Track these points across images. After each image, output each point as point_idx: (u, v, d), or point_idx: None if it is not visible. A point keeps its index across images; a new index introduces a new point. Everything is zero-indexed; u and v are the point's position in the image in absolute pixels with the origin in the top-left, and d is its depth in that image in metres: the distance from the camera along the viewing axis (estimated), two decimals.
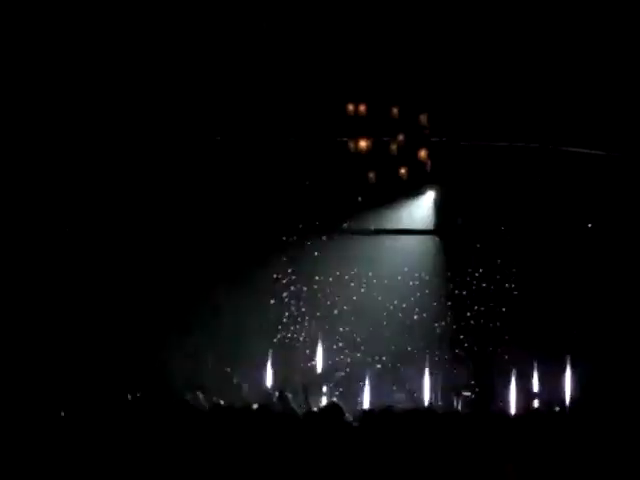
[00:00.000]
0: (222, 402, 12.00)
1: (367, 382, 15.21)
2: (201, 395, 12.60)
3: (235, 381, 15.11)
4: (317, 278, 16.74)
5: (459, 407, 15.02)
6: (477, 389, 15.91)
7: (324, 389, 15.35)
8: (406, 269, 16.70)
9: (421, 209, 16.47)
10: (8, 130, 14.25)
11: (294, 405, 12.03)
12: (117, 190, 15.68)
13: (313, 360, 15.87)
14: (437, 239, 16.73)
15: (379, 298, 16.69)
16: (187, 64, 13.41)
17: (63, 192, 15.19)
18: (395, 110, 12.87)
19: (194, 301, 16.07)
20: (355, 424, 7.00)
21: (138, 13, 12.78)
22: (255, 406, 11.62)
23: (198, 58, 13.31)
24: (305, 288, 16.75)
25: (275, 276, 16.62)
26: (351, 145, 13.26)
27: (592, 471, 6.53)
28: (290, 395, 12.49)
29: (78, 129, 14.55)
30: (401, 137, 13.17)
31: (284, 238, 16.60)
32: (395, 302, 16.69)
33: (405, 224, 16.54)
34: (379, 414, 7.35)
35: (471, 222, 16.17)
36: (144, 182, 15.60)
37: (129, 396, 7.83)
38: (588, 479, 6.50)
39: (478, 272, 16.63)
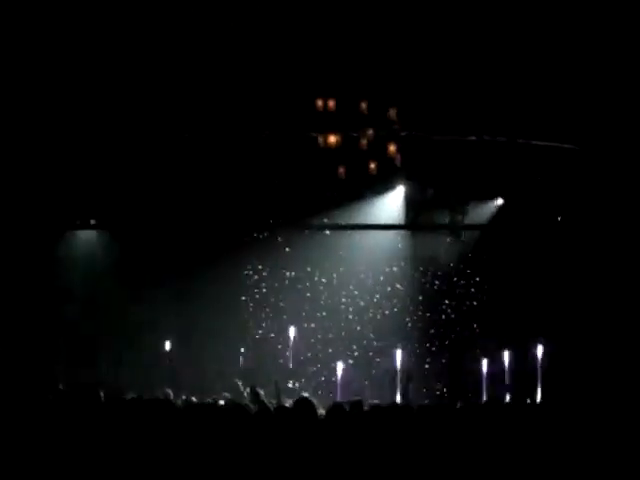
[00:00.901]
0: (193, 399, 11.99)
1: (339, 377, 15.20)
2: (171, 393, 12.57)
3: (207, 377, 15.08)
4: (288, 274, 16.74)
5: (430, 401, 15.05)
6: (449, 382, 15.98)
7: (296, 384, 15.36)
8: (377, 264, 16.74)
9: (391, 204, 16.49)
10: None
11: (265, 400, 12.01)
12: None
13: (285, 355, 15.86)
14: (408, 234, 16.77)
15: (350, 293, 16.73)
16: (160, 59, 13.36)
17: None
18: (364, 105, 12.86)
19: (165, 297, 16.06)
20: (324, 418, 7.00)
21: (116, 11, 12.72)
22: (224, 402, 11.64)
23: (169, 54, 13.27)
24: (276, 284, 16.75)
25: (246, 272, 16.62)
26: (320, 140, 13.23)
27: (565, 462, 6.57)
28: (261, 391, 12.48)
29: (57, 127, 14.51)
30: (370, 132, 13.16)
31: (255, 234, 16.60)
32: (366, 297, 16.74)
33: (375, 219, 16.56)
34: (349, 408, 7.37)
35: (442, 216, 16.23)
36: (114, 177, 15.56)
37: (102, 394, 7.80)
38: (562, 471, 6.54)
39: (448, 266, 16.70)
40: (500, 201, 16.48)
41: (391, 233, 16.79)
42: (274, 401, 12.28)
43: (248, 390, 12.56)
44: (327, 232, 16.71)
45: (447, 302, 16.70)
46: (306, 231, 16.62)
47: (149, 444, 6.15)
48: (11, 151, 14.67)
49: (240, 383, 13.49)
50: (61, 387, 11.14)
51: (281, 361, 15.89)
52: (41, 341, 15.51)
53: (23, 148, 14.72)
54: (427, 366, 16.47)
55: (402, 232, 16.76)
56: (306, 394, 12.65)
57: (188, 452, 6.20)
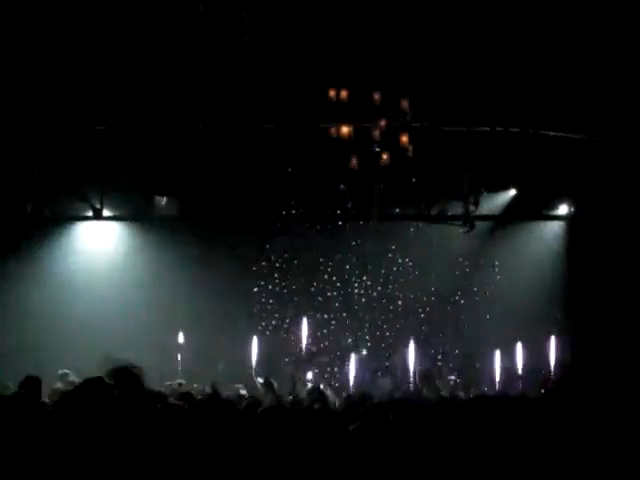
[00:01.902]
0: (208, 390, 12.00)
1: (352, 367, 15.20)
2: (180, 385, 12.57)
3: (220, 367, 15.08)
4: (301, 264, 16.75)
5: (445, 392, 15.03)
6: (462, 373, 15.95)
7: (309, 375, 15.36)
8: (390, 255, 16.73)
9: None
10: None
11: (279, 392, 12.03)
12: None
13: (298, 346, 15.86)
14: (420, 225, 16.74)
15: (363, 284, 16.73)
16: (166, 51, 13.33)
17: None
18: (377, 96, 12.82)
19: (178, 288, 16.10)
20: (337, 409, 7.00)
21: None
22: (239, 393, 11.65)
23: (177, 46, 13.24)
24: (289, 275, 16.76)
25: (258, 263, 16.63)
26: (333, 131, 13.20)
27: (576, 453, 6.55)
28: (275, 382, 12.49)
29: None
30: (383, 123, 13.12)
31: (266, 225, 16.61)
32: (379, 288, 16.73)
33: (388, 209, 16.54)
34: (359, 400, 7.36)
35: (455, 207, 16.19)
36: (128, 166, 15.59)
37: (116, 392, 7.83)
38: (573, 462, 6.51)
39: (461, 257, 16.68)
40: (513, 191, 16.45)
41: (406, 224, 16.76)
42: (289, 393, 12.32)
43: (261, 381, 12.57)
44: (341, 223, 16.70)
45: (460, 293, 16.68)
46: (319, 222, 16.61)
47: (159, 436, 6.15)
48: (18, 141, 14.72)
49: (253, 375, 13.51)
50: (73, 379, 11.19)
51: (295, 351, 15.91)
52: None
53: (31, 138, 14.76)
54: (440, 357, 16.47)
55: (416, 223, 16.73)
56: (320, 385, 12.66)
57: (195, 445, 6.19)
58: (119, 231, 16.98)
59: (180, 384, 12.54)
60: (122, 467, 5.34)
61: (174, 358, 14.64)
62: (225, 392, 11.30)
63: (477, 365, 15.41)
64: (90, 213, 16.79)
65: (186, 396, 8.81)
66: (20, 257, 16.17)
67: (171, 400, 7.29)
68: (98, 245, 16.90)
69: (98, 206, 16.67)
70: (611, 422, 6.75)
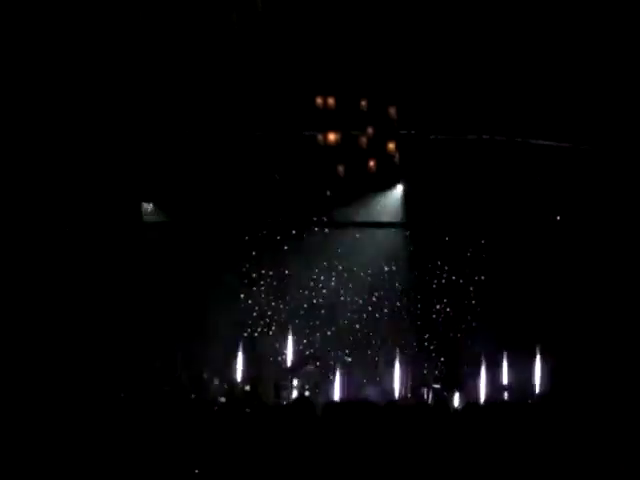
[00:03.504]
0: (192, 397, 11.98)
1: (337, 375, 15.19)
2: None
3: (205, 376, 15.05)
4: (287, 272, 16.72)
5: (429, 399, 15.06)
6: (446, 381, 15.95)
7: (294, 382, 15.35)
8: (375, 262, 16.72)
9: (390, 202, 16.48)
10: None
11: (265, 399, 12.03)
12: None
13: (283, 354, 15.85)
14: (406, 232, 16.75)
15: (349, 291, 16.71)
16: (154, 58, 13.32)
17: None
18: (364, 103, 12.84)
19: (163, 296, 16.05)
20: (321, 417, 6.98)
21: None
22: (223, 400, 11.64)
23: (165, 51, 13.23)
24: (275, 282, 16.74)
25: (244, 270, 16.60)
26: (320, 138, 13.21)
27: (564, 462, 6.56)
28: (261, 390, 12.49)
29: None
30: (370, 130, 13.13)
31: (253, 232, 16.58)
32: (365, 295, 16.72)
33: (374, 217, 16.55)
34: (343, 407, 7.34)
35: (440, 214, 16.19)
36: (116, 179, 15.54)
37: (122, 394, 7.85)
38: (560, 470, 6.52)
39: (447, 264, 16.68)
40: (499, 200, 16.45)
41: (390, 231, 16.78)
42: (273, 400, 12.31)
43: (248, 388, 12.55)
44: (326, 230, 16.70)
45: (446, 301, 16.68)
46: (305, 229, 16.60)
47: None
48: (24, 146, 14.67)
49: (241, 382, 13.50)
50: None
51: (280, 359, 15.89)
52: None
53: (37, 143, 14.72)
54: (425, 365, 16.46)
55: (401, 230, 16.75)
56: (306, 393, 12.65)
57: (191, 448, 6.19)
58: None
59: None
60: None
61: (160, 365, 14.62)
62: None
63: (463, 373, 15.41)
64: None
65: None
66: None
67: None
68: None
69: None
70: (605, 426, 6.77)
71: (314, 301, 16.66)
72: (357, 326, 16.61)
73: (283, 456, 6.45)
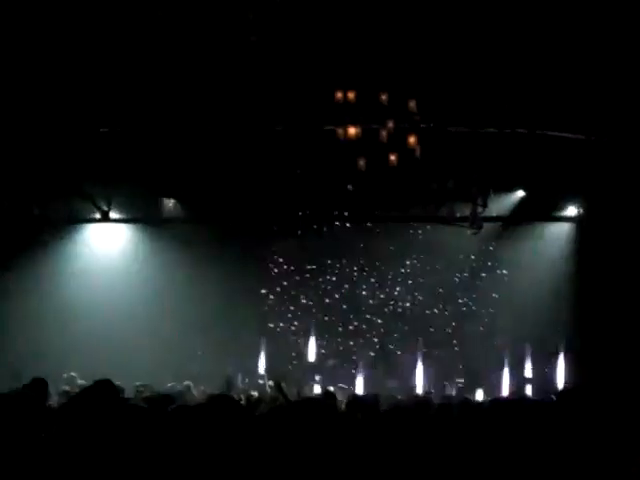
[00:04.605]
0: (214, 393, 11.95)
1: (360, 370, 15.18)
2: (192, 386, 12.56)
3: (227, 372, 15.05)
4: (308, 267, 16.72)
5: (452, 394, 15.01)
6: (468, 376, 15.91)
7: (317, 377, 15.34)
8: (397, 257, 16.68)
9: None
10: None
11: (288, 394, 11.99)
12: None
13: (306, 348, 15.86)
14: (428, 227, 16.69)
15: (370, 286, 16.68)
16: (174, 53, 13.32)
17: None
18: (384, 97, 12.78)
19: (185, 291, 16.08)
20: (344, 411, 6.96)
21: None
22: (245, 397, 11.61)
23: (185, 48, 13.22)
24: (297, 277, 16.74)
25: (266, 265, 16.61)
26: (340, 132, 13.16)
27: (584, 459, 6.50)
28: (284, 385, 12.45)
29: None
30: (390, 124, 13.08)
31: (275, 227, 16.58)
32: (386, 290, 16.69)
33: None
34: (367, 401, 7.32)
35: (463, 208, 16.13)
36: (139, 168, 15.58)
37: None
38: (579, 468, 6.46)
39: (469, 259, 16.63)
40: (521, 193, 16.39)
41: (413, 226, 16.72)
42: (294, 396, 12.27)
43: (271, 383, 12.54)
44: (347, 225, 16.67)
45: (468, 295, 16.63)
46: (326, 224, 16.58)
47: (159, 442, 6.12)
48: (20, 145, 14.71)
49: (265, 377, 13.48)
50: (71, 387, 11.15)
51: (302, 354, 15.90)
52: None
53: (33, 141, 14.76)
54: (447, 359, 16.42)
55: (423, 225, 16.69)
56: (330, 387, 12.63)
57: (199, 446, 6.16)
58: (127, 234, 16.99)
59: (188, 387, 12.52)
60: (125, 469, 5.30)
61: (182, 360, 14.63)
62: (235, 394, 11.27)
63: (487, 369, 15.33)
64: (98, 215, 16.82)
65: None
66: (27, 259, 16.17)
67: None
68: (106, 248, 16.90)
69: (105, 209, 16.69)
70: (622, 427, 6.70)
71: (335, 296, 16.64)
72: (379, 321, 16.59)
73: (305, 452, 6.42)
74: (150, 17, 12.62)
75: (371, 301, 16.66)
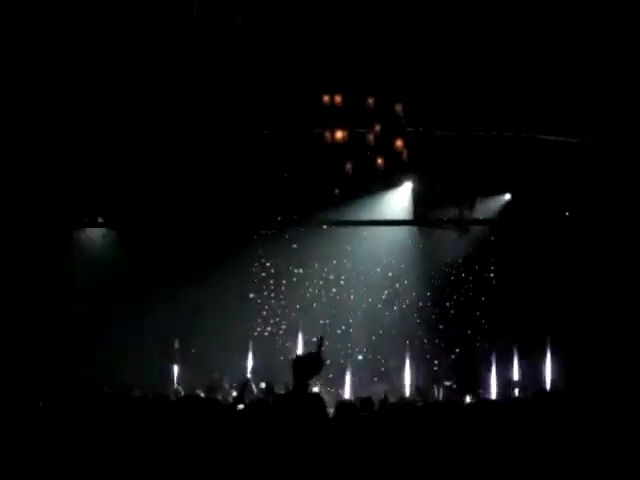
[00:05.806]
0: (202, 395, 11.97)
1: (348, 373, 15.19)
2: (181, 389, 12.57)
3: (216, 375, 15.06)
4: (295, 271, 16.73)
5: (440, 397, 15.03)
6: (458, 378, 15.93)
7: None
8: (384, 260, 16.71)
9: (399, 200, 16.45)
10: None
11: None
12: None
13: (293, 352, 15.84)
14: (415, 230, 16.73)
15: (358, 289, 16.70)
16: (162, 58, 13.32)
17: None
18: (371, 100, 12.81)
19: (171, 296, 16.04)
20: (333, 416, 6.97)
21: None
22: (233, 397, 11.61)
23: (173, 52, 13.23)
24: (284, 281, 16.74)
25: (253, 269, 16.61)
26: (327, 136, 13.19)
27: (574, 459, 6.53)
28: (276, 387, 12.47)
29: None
30: (377, 127, 13.11)
31: (262, 231, 16.59)
32: (375, 293, 16.71)
33: (383, 215, 16.53)
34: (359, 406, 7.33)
35: (448, 212, 16.16)
36: (122, 175, 15.55)
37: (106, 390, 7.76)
38: (571, 467, 6.50)
39: (457, 262, 16.66)
40: (508, 196, 16.43)
41: (399, 228, 16.75)
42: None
43: (263, 385, 12.55)
44: (335, 228, 16.69)
45: (455, 298, 16.66)
46: (313, 228, 16.60)
47: (154, 442, 6.13)
48: (17, 150, 14.67)
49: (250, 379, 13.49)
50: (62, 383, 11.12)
51: (290, 358, 15.86)
52: (45, 339, 15.48)
53: (29, 147, 14.72)
54: (436, 362, 16.44)
55: (410, 228, 16.72)
56: (316, 389, 12.63)
57: (194, 447, 6.18)
58: (115, 238, 16.97)
59: (177, 391, 12.54)
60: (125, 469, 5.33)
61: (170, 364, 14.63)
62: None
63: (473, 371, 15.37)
64: (86, 220, 16.80)
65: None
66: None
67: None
68: (95, 252, 16.89)
69: (94, 213, 16.68)
70: (616, 423, 6.74)
71: (323, 300, 16.65)
72: (367, 325, 16.60)
73: (292, 455, 6.44)
74: (135, 21, 12.62)
75: (359, 304, 16.68)
